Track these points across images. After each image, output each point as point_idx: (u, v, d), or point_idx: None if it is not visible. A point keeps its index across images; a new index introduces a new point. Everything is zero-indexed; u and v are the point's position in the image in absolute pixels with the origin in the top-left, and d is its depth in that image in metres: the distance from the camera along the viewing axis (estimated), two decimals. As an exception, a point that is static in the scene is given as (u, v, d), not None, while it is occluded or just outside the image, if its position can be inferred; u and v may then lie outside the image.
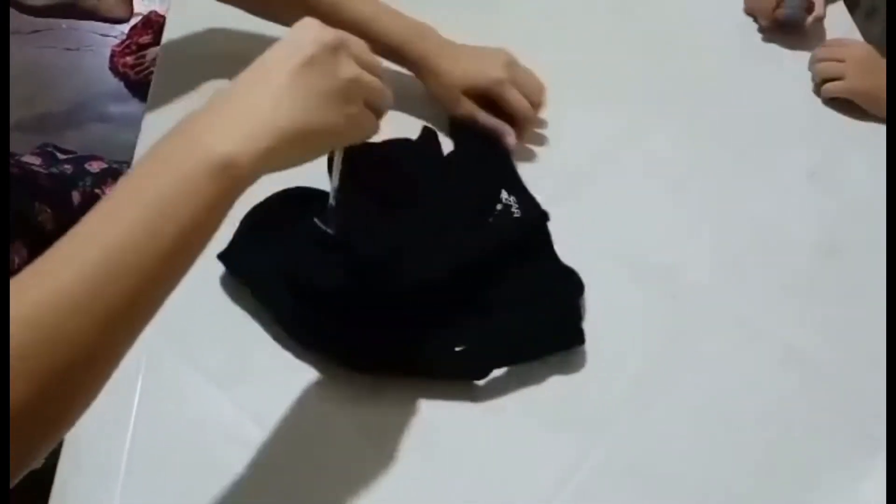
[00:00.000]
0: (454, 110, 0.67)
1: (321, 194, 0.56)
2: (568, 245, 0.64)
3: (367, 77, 0.43)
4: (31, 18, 1.44)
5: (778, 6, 0.81)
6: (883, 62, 0.77)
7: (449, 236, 0.58)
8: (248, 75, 0.41)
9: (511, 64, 0.66)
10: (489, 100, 0.66)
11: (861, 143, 0.74)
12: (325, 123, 0.41)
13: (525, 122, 0.67)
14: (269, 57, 0.41)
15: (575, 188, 0.69)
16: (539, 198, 0.66)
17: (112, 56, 1.62)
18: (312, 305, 0.53)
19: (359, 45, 0.44)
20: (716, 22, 0.84)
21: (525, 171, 0.69)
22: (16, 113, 1.63)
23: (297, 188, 0.58)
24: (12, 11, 1.23)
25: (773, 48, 0.83)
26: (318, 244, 0.54)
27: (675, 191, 0.70)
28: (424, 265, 0.55)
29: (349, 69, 0.42)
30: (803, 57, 0.80)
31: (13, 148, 0.77)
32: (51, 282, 0.33)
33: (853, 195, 0.70)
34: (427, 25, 0.66)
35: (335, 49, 0.41)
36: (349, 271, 0.54)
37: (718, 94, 0.78)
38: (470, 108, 0.66)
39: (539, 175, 0.69)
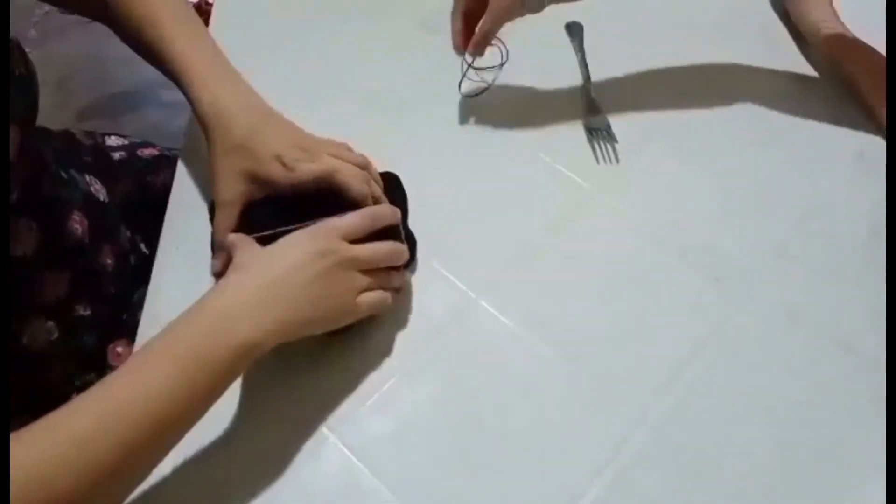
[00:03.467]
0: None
1: None
2: (611, 228, 0.64)
3: (370, 280, 0.52)
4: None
5: None
6: None
7: None
8: (267, 271, 0.48)
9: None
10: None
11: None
12: (329, 317, 0.51)
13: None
14: (288, 257, 0.49)
15: (617, 170, 0.68)
16: (576, 177, 0.66)
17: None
18: None
19: (367, 253, 0.52)
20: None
21: (565, 148, 0.69)
22: (80, 100, 1.70)
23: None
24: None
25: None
26: None
27: (719, 174, 0.69)
28: None
29: (353, 280, 0.51)
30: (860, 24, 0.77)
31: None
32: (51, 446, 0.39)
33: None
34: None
35: (341, 263, 0.50)
36: None
37: (761, 73, 0.76)
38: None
39: (578, 154, 0.69)
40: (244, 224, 0.56)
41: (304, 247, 0.50)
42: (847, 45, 0.74)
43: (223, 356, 0.45)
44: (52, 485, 0.38)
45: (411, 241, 0.60)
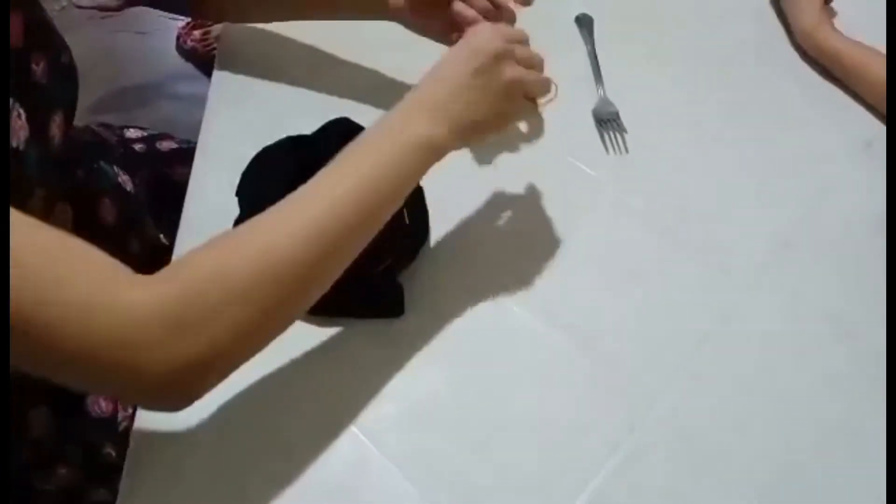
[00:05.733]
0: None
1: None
2: (620, 218, 0.65)
3: (526, 76, 0.54)
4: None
5: None
6: None
7: None
8: (431, 77, 0.53)
9: None
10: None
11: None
12: (487, 117, 0.53)
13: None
14: (446, 62, 0.53)
15: (627, 160, 0.69)
16: (585, 167, 0.67)
17: (178, 38, 1.68)
18: None
19: (522, 51, 0.54)
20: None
21: (574, 137, 0.70)
22: (94, 94, 1.72)
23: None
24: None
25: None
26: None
27: (728, 163, 0.69)
28: None
29: (510, 73, 0.53)
30: (860, 23, 0.77)
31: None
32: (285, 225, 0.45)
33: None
34: None
35: (499, 57, 0.52)
36: None
37: (771, 63, 0.76)
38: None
39: (588, 144, 0.69)
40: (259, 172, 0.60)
41: (469, 49, 0.53)
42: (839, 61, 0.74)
43: (406, 152, 0.49)
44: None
45: (425, 225, 0.62)
